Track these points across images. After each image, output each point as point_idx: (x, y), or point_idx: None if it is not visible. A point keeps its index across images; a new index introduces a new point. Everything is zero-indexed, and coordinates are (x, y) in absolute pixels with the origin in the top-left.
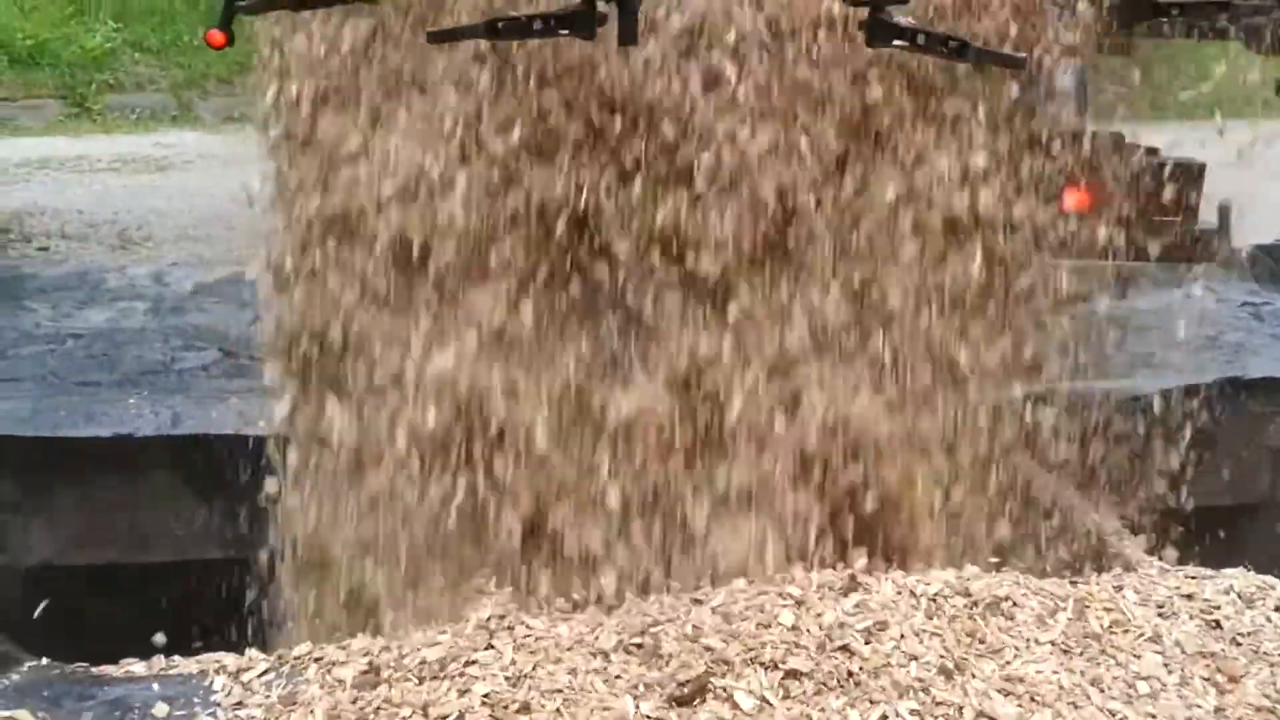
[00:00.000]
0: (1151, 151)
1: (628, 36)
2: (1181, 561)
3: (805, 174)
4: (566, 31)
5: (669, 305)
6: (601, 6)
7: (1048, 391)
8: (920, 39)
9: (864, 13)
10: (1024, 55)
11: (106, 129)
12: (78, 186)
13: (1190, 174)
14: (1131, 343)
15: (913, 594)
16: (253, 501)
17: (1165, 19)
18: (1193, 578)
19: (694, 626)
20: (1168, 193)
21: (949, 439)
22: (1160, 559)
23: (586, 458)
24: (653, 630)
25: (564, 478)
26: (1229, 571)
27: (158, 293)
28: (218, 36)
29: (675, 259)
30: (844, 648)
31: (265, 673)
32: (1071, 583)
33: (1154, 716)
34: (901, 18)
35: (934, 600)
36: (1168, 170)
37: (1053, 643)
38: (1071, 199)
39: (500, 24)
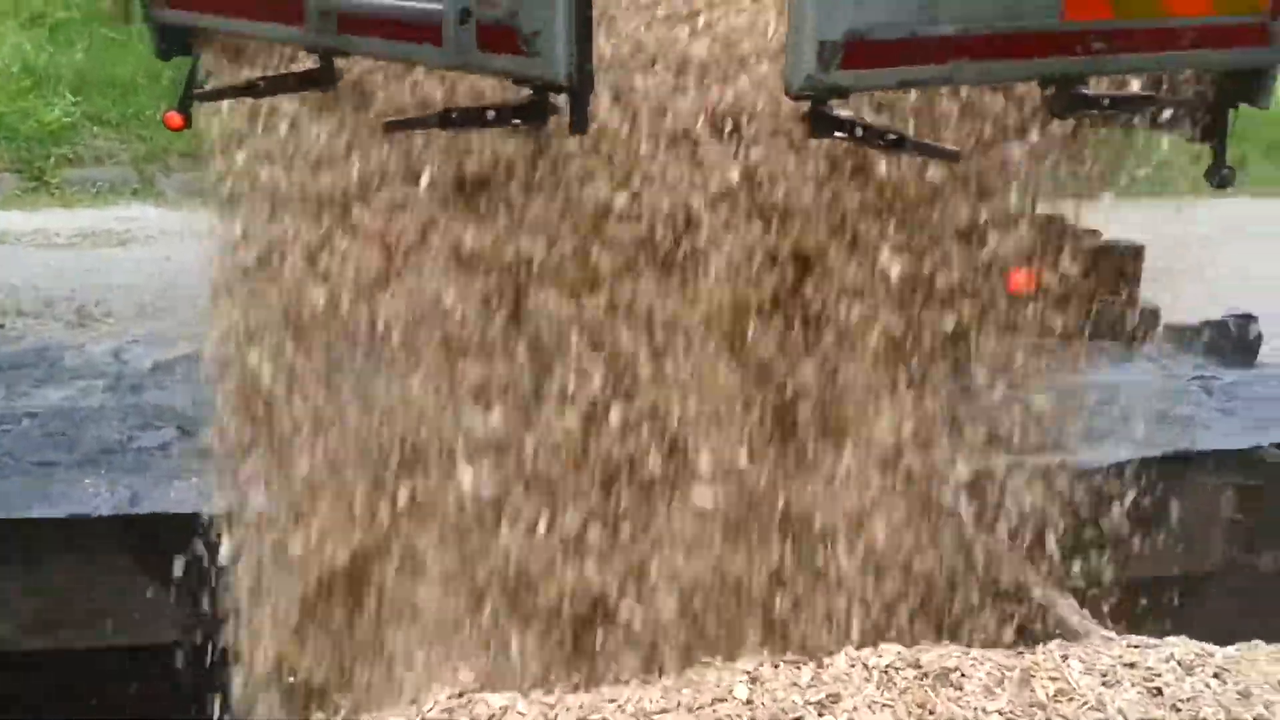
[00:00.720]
0: (1092, 234)
1: (579, 126)
2: (1134, 632)
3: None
4: (519, 121)
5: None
6: (553, 97)
7: (1004, 465)
8: (859, 131)
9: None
10: (957, 149)
11: (65, 203)
12: (35, 262)
13: (1128, 255)
14: (1084, 417)
15: (865, 666)
16: (208, 581)
17: (1096, 110)
18: (1135, 646)
19: (650, 701)
20: (1107, 273)
21: (901, 512)
22: (1110, 628)
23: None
24: (610, 704)
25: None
26: (1170, 640)
27: (117, 370)
28: (176, 119)
29: None
30: None
31: None
32: (1018, 653)
33: None
34: (842, 111)
35: (885, 672)
36: (1107, 252)
37: (1000, 712)
38: (1018, 280)
39: (454, 114)
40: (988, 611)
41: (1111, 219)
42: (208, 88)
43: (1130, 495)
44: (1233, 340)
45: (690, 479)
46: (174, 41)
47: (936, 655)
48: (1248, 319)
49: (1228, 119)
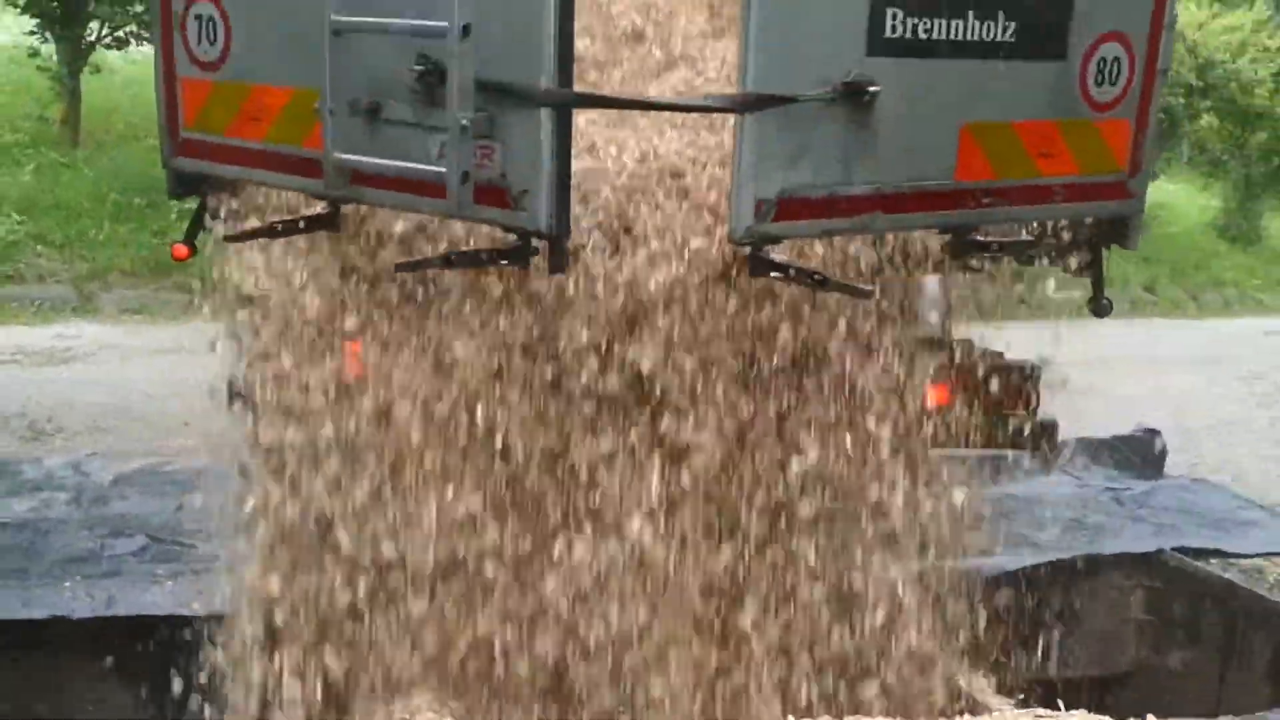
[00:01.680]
0: (997, 354)
1: (557, 267)
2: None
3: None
4: (506, 262)
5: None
6: (535, 242)
7: (927, 568)
8: (791, 271)
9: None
10: (870, 289)
11: (3, 320)
12: None
13: (1027, 373)
14: (1002, 524)
15: None
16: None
17: (987, 253)
18: (1040, 717)
19: None
20: (1009, 389)
21: (835, 609)
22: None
23: None
24: None
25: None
26: (1075, 712)
27: (78, 482)
28: (182, 250)
29: None
30: None
31: None
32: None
33: None
34: (776, 255)
35: None
36: (1009, 370)
37: None
38: (933, 395)
39: (453, 256)
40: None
41: (1034, 341)
42: (234, 232)
43: (1043, 596)
44: (1140, 453)
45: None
46: (185, 184)
47: None
48: (1153, 434)
49: (1101, 258)
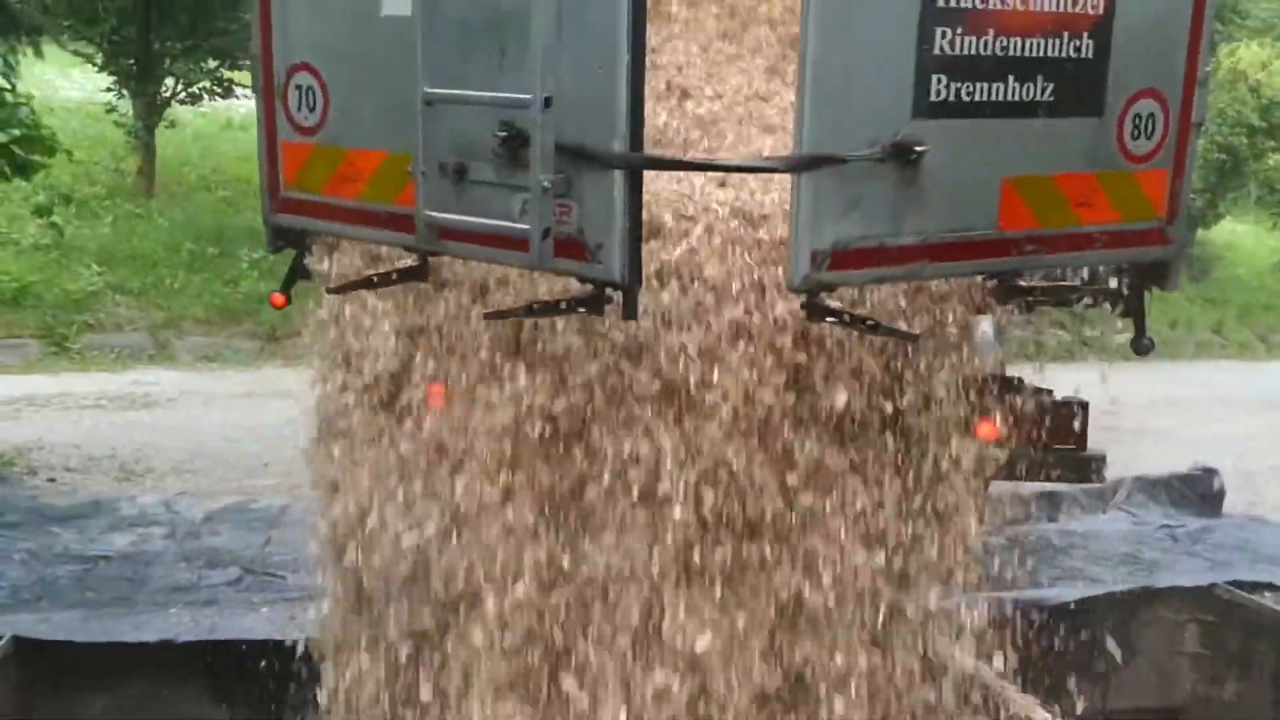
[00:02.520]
0: (1047, 392)
1: (630, 314)
2: None
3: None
4: (583, 309)
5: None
6: (609, 292)
7: (988, 597)
8: (845, 317)
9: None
10: (918, 333)
11: (84, 367)
12: (66, 423)
13: (1075, 410)
14: (1061, 558)
15: None
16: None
17: (1030, 297)
18: None
19: None
20: (1058, 424)
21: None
22: None
23: None
24: None
25: None
26: None
27: (171, 519)
28: (280, 299)
29: None
30: None
31: None
32: None
33: None
34: (831, 301)
35: None
36: (1057, 406)
37: None
38: (985, 429)
39: (535, 305)
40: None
41: (1101, 383)
42: (338, 284)
43: (1098, 627)
44: (1197, 491)
45: None
46: (284, 238)
47: None
48: (1211, 472)
49: (1143, 301)
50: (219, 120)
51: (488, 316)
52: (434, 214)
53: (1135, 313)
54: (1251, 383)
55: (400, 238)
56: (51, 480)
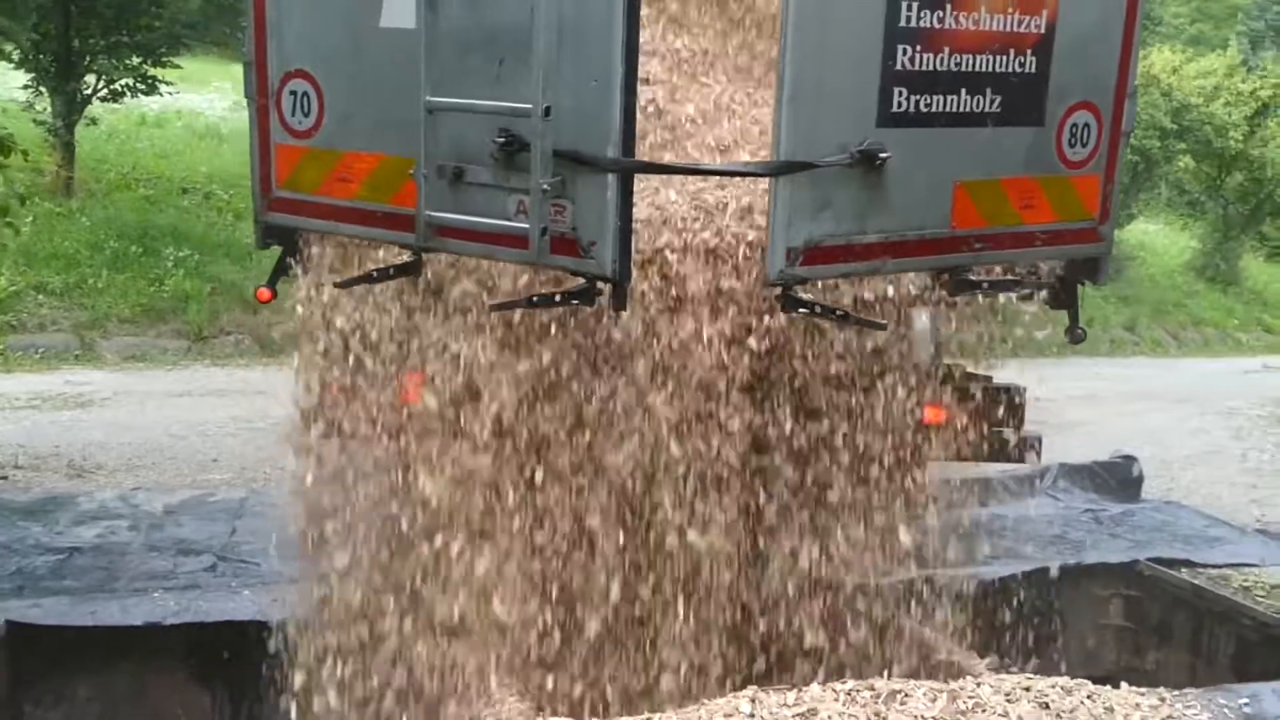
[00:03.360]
0: (986, 378)
1: (620, 305)
2: None
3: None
4: (576, 301)
5: None
6: (600, 285)
7: (928, 575)
8: (817, 308)
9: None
10: (884, 322)
11: (8, 368)
12: (5, 423)
13: (1013, 393)
14: (993, 540)
15: (834, 690)
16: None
17: (978, 289)
18: (1029, 676)
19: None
20: (996, 409)
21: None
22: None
23: None
24: None
25: None
26: (1052, 678)
27: (131, 513)
28: (266, 294)
29: None
30: None
31: None
32: (945, 682)
33: None
34: (804, 293)
35: (849, 694)
36: (996, 391)
37: (934, 717)
38: (930, 414)
39: (535, 298)
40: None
41: (1023, 379)
42: (343, 280)
43: (1027, 598)
44: (1118, 477)
45: None
46: (273, 236)
47: (886, 684)
48: (1130, 459)
49: (1076, 293)
50: (133, 118)
51: (493, 308)
52: (434, 213)
53: (1069, 305)
54: (1164, 378)
55: (397, 235)
56: (4, 478)
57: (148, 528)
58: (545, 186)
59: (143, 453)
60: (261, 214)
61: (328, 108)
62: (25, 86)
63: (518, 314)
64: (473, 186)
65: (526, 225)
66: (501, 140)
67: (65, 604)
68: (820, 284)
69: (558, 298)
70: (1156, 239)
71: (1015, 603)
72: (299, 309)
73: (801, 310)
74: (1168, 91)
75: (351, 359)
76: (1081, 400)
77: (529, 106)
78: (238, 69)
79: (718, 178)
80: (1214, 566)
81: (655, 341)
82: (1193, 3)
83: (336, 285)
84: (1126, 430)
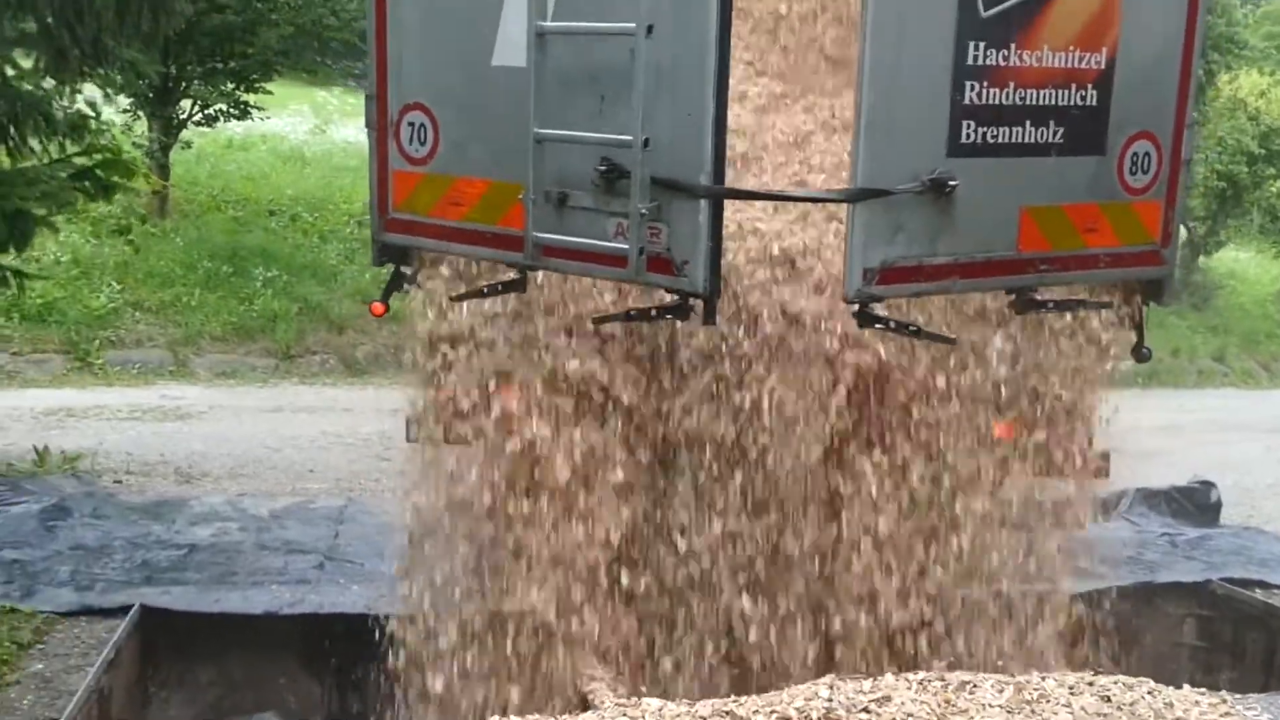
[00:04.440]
0: (1057, 396)
1: (710, 319)
2: None
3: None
4: (670, 316)
5: None
6: (691, 301)
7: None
8: (891, 324)
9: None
10: (954, 337)
11: (108, 382)
12: (112, 432)
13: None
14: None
15: (908, 679)
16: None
17: (1045, 309)
18: (1094, 674)
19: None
20: (1062, 426)
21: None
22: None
23: None
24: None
25: None
26: (1115, 675)
27: (239, 516)
28: (379, 308)
29: None
30: (865, 709)
31: None
32: (1013, 675)
33: None
34: (880, 310)
35: (921, 684)
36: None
37: (1001, 706)
38: (999, 430)
39: (632, 312)
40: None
41: (1121, 405)
42: (459, 293)
43: (1100, 616)
44: (1196, 503)
45: None
46: (388, 254)
47: (956, 675)
48: (1209, 485)
49: (1142, 313)
50: (221, 141)
51: (595, 321)
52: (541, 234)
53: (1135, 324)
54: (1253, 409)
55: (504, 254)
56: (118, 482)
57: (256, 529)
58: (644, 211)
59: (243, 462)
60: (378, 234)
61: (442, 137)
62: (124, 110)
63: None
64: (575, 210)
65: (625, 246)
66: (603, 168)
67: (192, 593)
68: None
69: (653, 312)
70: (1248, 267)
71: (1089, 621)
72: (415, 320)
73: (877, 326)
74: (1255, 115)
75: (459, 368)
76: (1164, 430)
77: (629, 138)
78: (317, 92)
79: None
80: None
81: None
82: None
83: (452, 299)
84: (1209, 459)
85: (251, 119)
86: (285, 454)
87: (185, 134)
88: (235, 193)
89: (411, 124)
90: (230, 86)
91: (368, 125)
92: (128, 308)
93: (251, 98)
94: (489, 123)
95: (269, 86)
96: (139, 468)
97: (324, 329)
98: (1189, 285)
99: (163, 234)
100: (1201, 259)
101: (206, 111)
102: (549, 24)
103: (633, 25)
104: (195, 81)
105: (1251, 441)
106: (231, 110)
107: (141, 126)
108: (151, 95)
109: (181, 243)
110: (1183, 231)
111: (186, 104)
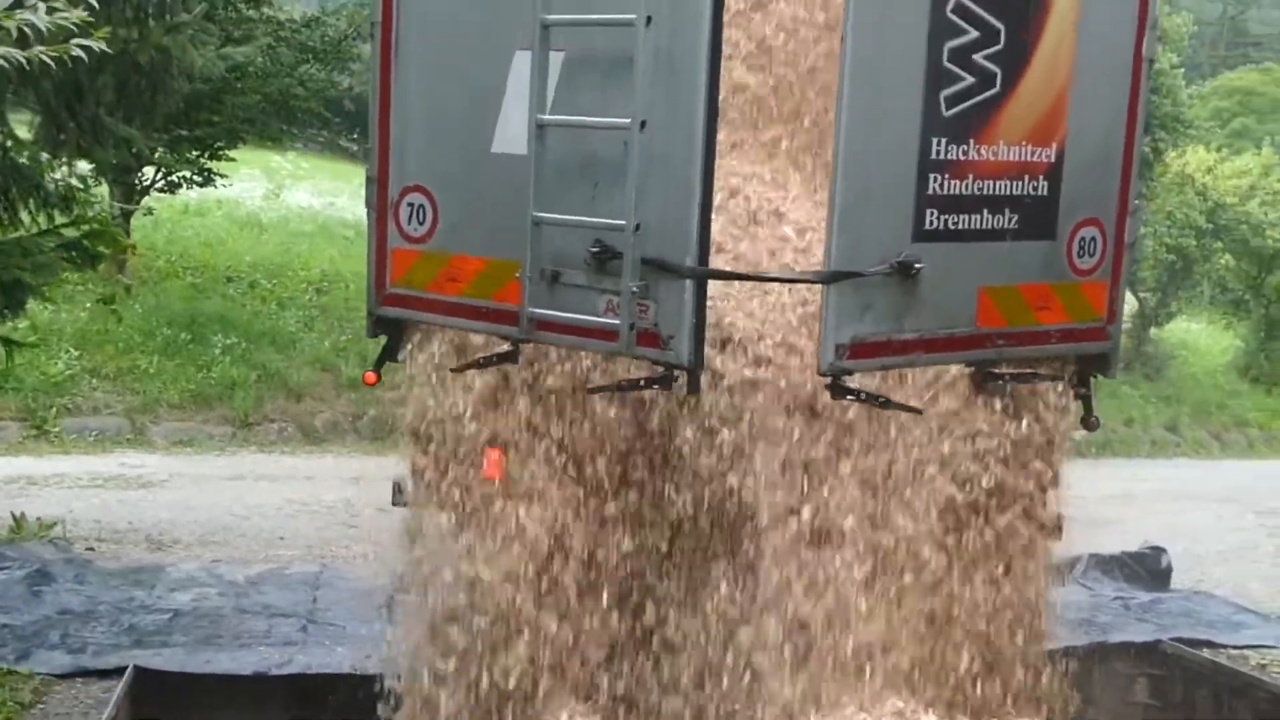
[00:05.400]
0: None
1: (694, 389)
2: None
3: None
4: (656, 386)
5: None
6: (675, 373)
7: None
8: (861, 395)
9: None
10: (920, 408)
11: (65, 449)
12: (76, 500)
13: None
14: None
15: None
16: None
17: (1001, 381)
18: None
19: None
20: None
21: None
22: None
23: None
24: None
25: None
26: None
27: (217, 581)
28: (372, 377)
29: None
30: None
31: None
32: None
33: None
34: (850, 383)
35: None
36: None
37: None
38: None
39: (623, 383)
40: None
41: (1075, 474)
42: (461, 364)
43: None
44: (1147, 568)
45: None
46: (383, 327)
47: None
48: (1159, 550)
49: (1090, 384)
50: (177, 206)
51: (590, 391)
52: (535, 310)
53: (1084, 396)
54: (1204, 478)
55: (499, 328)
56: (90, 549)
57: (235, 595)
58: (634, 289)
59: (212, 530)
60: (375, 308)
61: (441, 217)
62: (83, 177)
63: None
64: (568, 287)
65: (616, 321)
66: (596, 249)
67: (181, 655)
68: None
69: (641, 382)
70: (1199, 338)
71: (1045, 679)
72: (409, 389)
73: (848, 397)
74: (1202, 191)
75: (448, 436)
76: (1118, 499)
77: (622, 223)
78: (270, 156)
79: None
80: (1234, 647)
81: None
82: (1234, 97)
83: (452, 370)
84: (1161, 527)
85: (214, 185)
86: (253, 521)
87: (146, 200)
88: (193, 259)
89: (411, 204)
90: (195, 154)
91: (368, 206)
92: (85, 374)
93: (215, 164)
94: (487, 205)
95: (231, 154)
96: (109, 535)
97: (282, 396)
98: (1141, 355)
99: (120, 301)
100: (1153, 330)
101: (170, 178)
102: (548, 117)
103: (628, 120)
104: (160, 149)
105: (1203, 510)
106: (194, 177)
107: (102, 191)
108: (114, 161)
109: (140, 309)
110: (1134, 303)
111: (149, 170)
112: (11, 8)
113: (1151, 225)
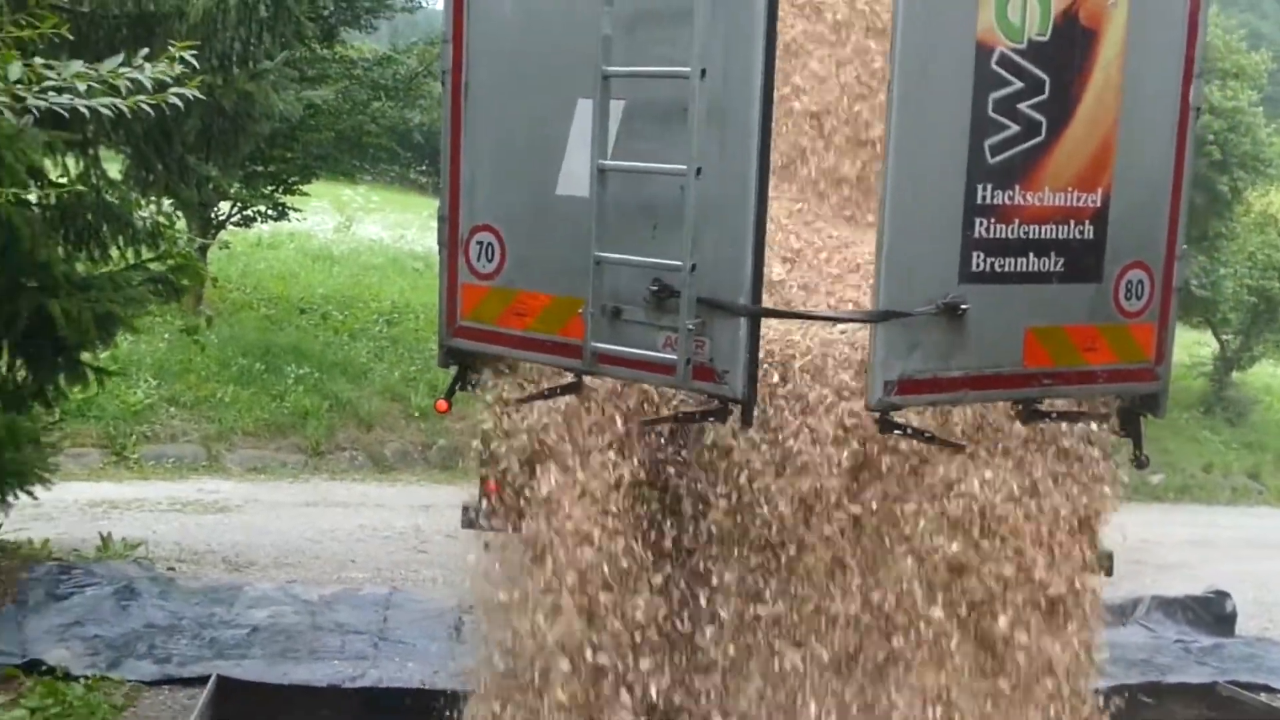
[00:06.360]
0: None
1: (747, 423)
2: None
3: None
4: (713, 419)
5: None
6: (730, 406)
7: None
8: (909, 430)
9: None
10: (964, 443)
11: (144, 475)
12: (157, 523)
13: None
14: None
15: None
16: None
17: (1048, 420)
18: None
19: None
20: None
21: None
22: None
23: None
24: None
25: None
26: None
27: (292, 601)
28: (443, 405)
29: None
30: None
31: None
32: None
33: None
34: (898, 417)
35: None
36: None
37: None
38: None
39: (680, 414)
40: None
41: (1142, 524)
42: (522, 395)
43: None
44: (1211, 612)
45: None
46: (454, 358)
47: None
48: (1224, 595)
49: (1139, 424)
50: (250, 239)
51: (645, 424)
52: (598, 344)
53: (1133, 435)
54: None
55: (563, 361)
56: (171, 569)
57: (310, 613)
58: (690, 326)
59: (286, 553)
60: (446, 340)
61: (509, 255)
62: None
63: None
64: (629, 323)
65: (673, 356)
66: (654, 288)
67: (260, 666)
68: None
69: (697, 415)
70: None
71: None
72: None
73: (896, 431)
74: None
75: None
76: (1190, 544)
77: (679, 263)
78: (340, 189)
79: None
80: None
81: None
82: None
83: (518, 401)
84: (1231, 574)
85: (287, 219)
86: (326, 545)
87: (221, 234)
88: (267, 291)
89: (480, 242)
90: (269, 189)
91: (439, 244)
92: (163, 403)
93: (288, 199)
94: (552, 244)
95: (305, 189)
96: (189, 556)
97: (353, 426)
98: (1222, 400)
99: (201, 331)
100: (1235, 374)
101: (245, 212)
102: (609, 162)
103: (684, 167)
104: (236, 184)
105: (1277, 559)
106: (269, 211)
107: (182, 226)
108: (192, 197)
109: (216, 340)
110: (1215, 345)
111: (225, 205)
112: (120, 66)
113: (1233, 266)
